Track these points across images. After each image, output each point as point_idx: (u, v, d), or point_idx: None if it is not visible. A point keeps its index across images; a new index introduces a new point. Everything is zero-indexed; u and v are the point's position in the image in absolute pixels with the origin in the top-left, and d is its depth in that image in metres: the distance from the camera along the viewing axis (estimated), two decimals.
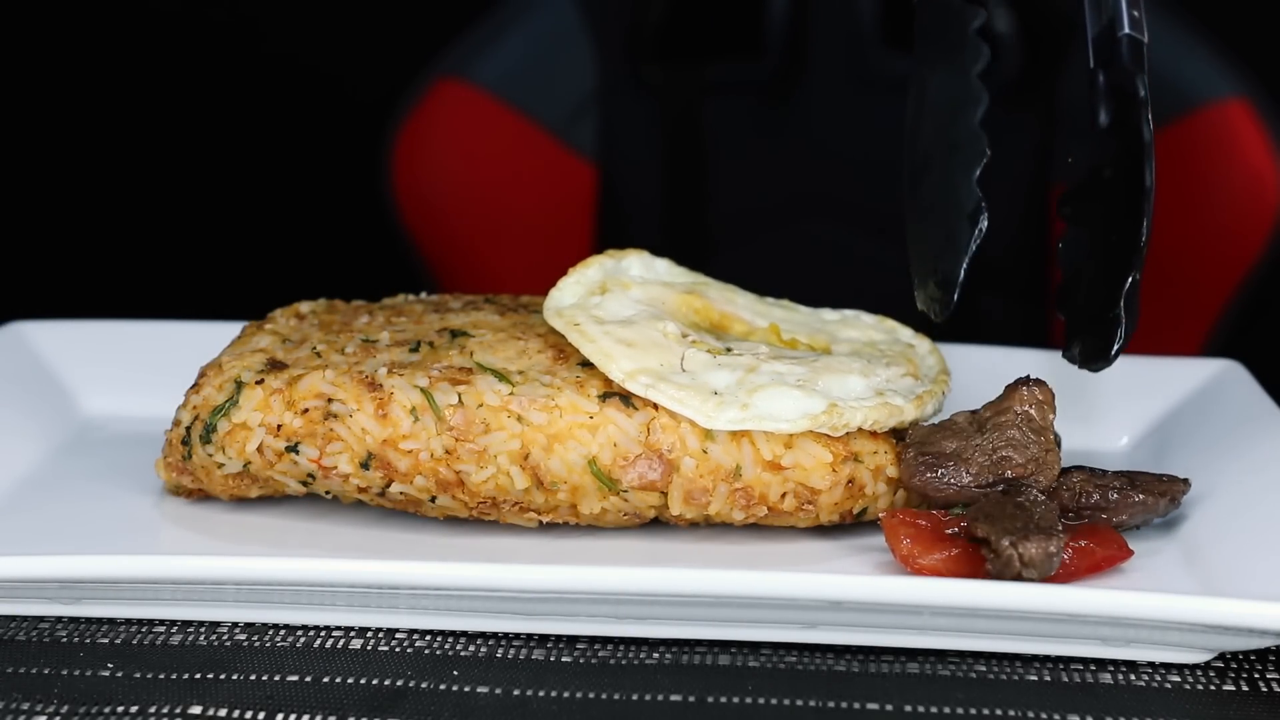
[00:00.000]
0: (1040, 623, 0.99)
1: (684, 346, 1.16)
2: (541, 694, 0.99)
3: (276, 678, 1.01)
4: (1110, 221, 1.17)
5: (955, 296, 1.16)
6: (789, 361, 1.17)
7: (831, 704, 0.97)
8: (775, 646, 1.04)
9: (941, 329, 1.20)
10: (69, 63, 2.52)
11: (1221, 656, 1.03)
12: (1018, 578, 1.02)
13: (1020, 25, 2.13)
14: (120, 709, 0.97)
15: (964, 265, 1.15)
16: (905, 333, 1.30)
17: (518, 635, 1.06)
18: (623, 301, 1.21)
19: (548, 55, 2.20)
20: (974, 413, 1.16)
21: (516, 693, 0.99)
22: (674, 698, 0.98)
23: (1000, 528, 1.04)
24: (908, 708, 0.97)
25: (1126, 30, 1.21)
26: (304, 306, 1.31)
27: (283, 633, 1.06)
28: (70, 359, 1.44)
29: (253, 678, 1.01)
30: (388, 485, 1.14)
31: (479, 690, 0.99)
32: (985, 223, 1.15)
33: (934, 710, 0.97)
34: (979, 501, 1.09)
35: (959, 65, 1.18)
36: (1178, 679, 1.01)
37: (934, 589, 0.98)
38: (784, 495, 1.13)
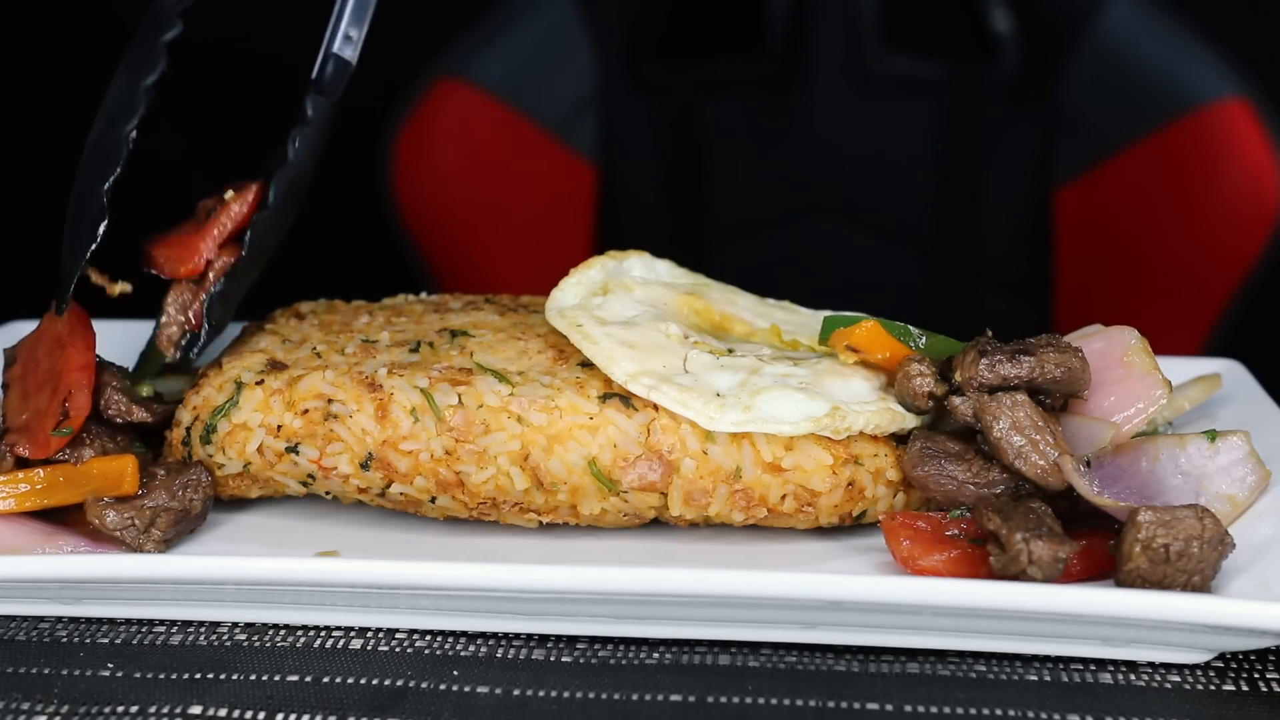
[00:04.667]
0: (1040, 623, 0.99)
1: (686, 348, 1.16)
2: (541, 694, 0.99)
3: (276, 678, 1.01)
4: None
5: (68, 294, 1.21)
6: (792, 363, 1.16)
7: (831, 704, 0.97)
8: (775, 646, 1.04)
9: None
10: (69, 62, 2.52)
11: (1221, 656, 1.03)
12: (1020, 575, 1.02)
13: (1020, 25, 2.14)
14: (120, 709, 0.97)
15: (79, 267, 1.20)
16: None
17: (518, 635, 1.06)
18: (625, 302, 1.21)
19: (548, 55, 2.20)
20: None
21: (516, 693, 0.99)
22: (674, 698, 0.98)
23: (1014, 523, 1.04)
24: (908, 708, 0.97)
25: (335, 49, 1.31)
26: (304, 306, 1.31)
27: (283, 633, 1.06)
28: None
29: (253, 678, 1.01)
30: (388, 486, 1.14)
31: (479, 690, 0.99)
32: (103, 228, 1.18)
33: (934, 710, 0.97)
34: (983, 499, 1.09)
35: (136, 73, 1.22)
36: (1178, 679, 1.01)
37: (934, 589, 0.98)
38: (784, 497, 1.13)
